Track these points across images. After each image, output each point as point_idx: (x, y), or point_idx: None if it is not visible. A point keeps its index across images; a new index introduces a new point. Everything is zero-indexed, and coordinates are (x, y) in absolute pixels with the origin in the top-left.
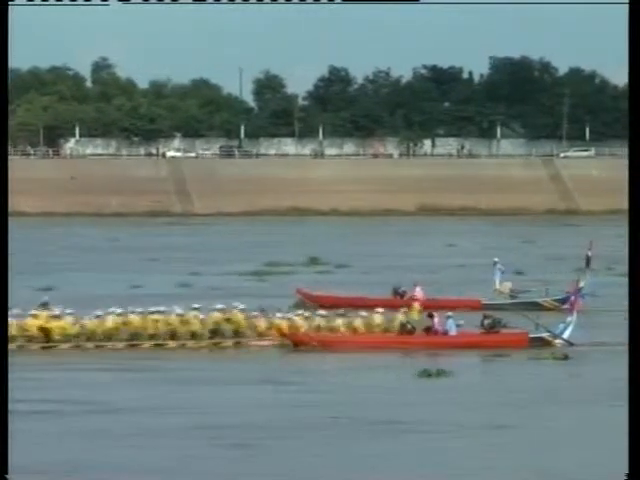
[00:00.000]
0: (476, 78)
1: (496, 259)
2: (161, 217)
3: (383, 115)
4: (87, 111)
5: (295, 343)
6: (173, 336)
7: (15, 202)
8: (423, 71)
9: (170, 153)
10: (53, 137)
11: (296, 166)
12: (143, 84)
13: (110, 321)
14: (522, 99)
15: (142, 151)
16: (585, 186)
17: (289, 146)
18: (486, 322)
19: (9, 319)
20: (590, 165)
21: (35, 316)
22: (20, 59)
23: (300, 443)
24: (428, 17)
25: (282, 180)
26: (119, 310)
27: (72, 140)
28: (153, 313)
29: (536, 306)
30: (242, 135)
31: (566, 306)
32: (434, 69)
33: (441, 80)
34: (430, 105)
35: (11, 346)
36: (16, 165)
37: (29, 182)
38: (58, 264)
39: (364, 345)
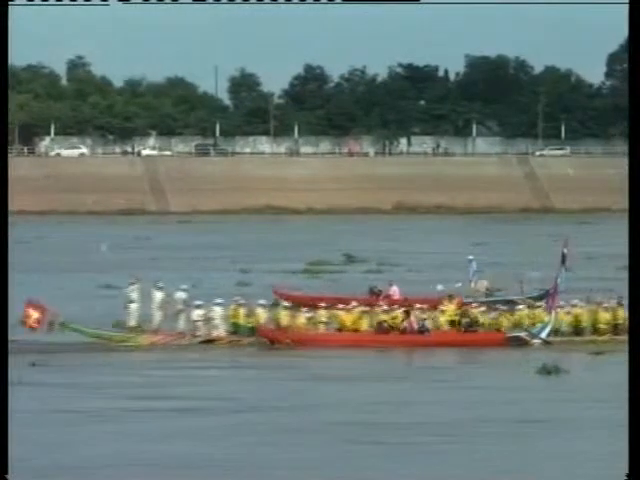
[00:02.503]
0: (452, 76)
1: (471, 257)
2: (136, 215)
3: (359, 113)
4: (62, 109)
5: (271, 341)
6: None
7: None
8: (399, 69)
9: (145, 151)
10: (28, 135)
11: (271, 164)
12: (118, 82)
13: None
14: (498, 98)
15: (117, 149)
16: (560, 184)
17: (265, 144)
18: (464, 321)
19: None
20: (565, 163)
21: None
22: None
23: (474, 442)
24: (404, 15)
25: (257, 178)
26: None
27: (47, 138)
28: None
29: (512, 304)
30: (218, 133)
31: (540, 303)
32: (410, 67)
33: (417, 78)
34: (406, 103)
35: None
36: None
37: None
38: (109, 262)
39: (340, 343)
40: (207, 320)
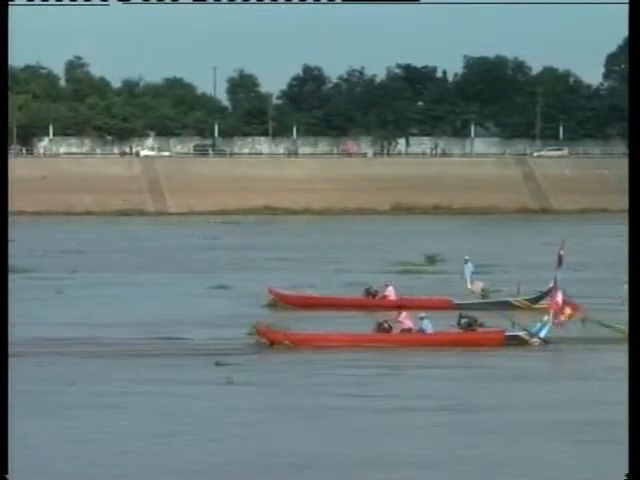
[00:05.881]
0: (450, 77)
1: (467, 257)
2: (134, 216)
3: (357, 114)
4: (61, 110)
5: (271, 341)
6: None
7: None
8: (397, 70)
9: (144, 152)
10: (27, 136)
11: (270, 165)
12: (116, 83)
13: None
14: (496, 98)
15: (116, 150)
16: (558, 185)
17: (263, 145)
18: (463, 321)
19: None
20: (563, 164)
21: None
22: None
23: None
24: (402, 16)
25: (256, 179)
26: None
27: (46, 139)
28: None
29: (508, 306)
30: (216, 134)
31: (538, 305)
32: (408, 68)
33: (415, 79)
34: (404, 104)
35: None
36: None
37: None
38: (195, 263)
39: (340, 344)
40: None
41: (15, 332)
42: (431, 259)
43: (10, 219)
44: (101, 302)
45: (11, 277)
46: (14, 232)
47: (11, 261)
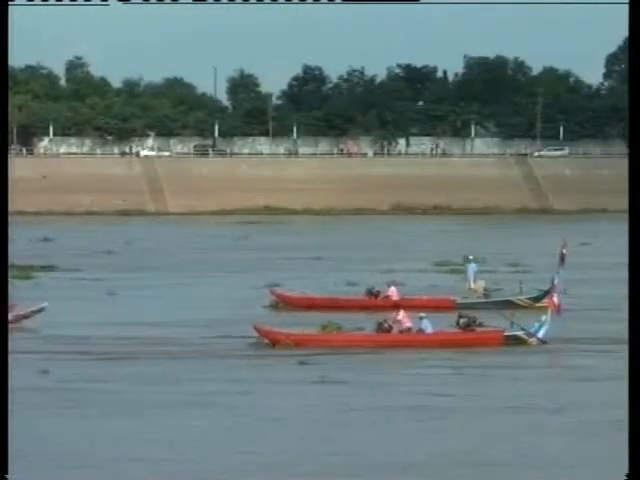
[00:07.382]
0: (450, 77)
1: (470, 257)
2: (134, 216)
3: (357, 114)
4: (61, 110)
5: (272, 342)
6: None
7: None
8: (397, 70)
9: (144, 152)
10: (27, 136)
11: (270, 165)
12: (116, 83)
13: None
14: (496, 98)
15: (116, 150)
16: (558, 185)
17: (263, 145)
18: (461, 321)
19: None
20: (563, 164)
21: None
22: None
23: None
24: (403, 16)
25: (256, 179)
26: None
27: (46, 139)
28: None
29: (510, 305)
30: (216, 134)
31: (540, 304)
32: (408, 68)
33: (415, 79)
34: (404, 104)
35: None
36: None
37: None
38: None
39: (340, 344)
40: None
41: (97, 332)
42: (467, 259)
43: (11, 219)
44: (155, 303)
45: (57, 275)
46: (51, 232)
47: (55, 261)
